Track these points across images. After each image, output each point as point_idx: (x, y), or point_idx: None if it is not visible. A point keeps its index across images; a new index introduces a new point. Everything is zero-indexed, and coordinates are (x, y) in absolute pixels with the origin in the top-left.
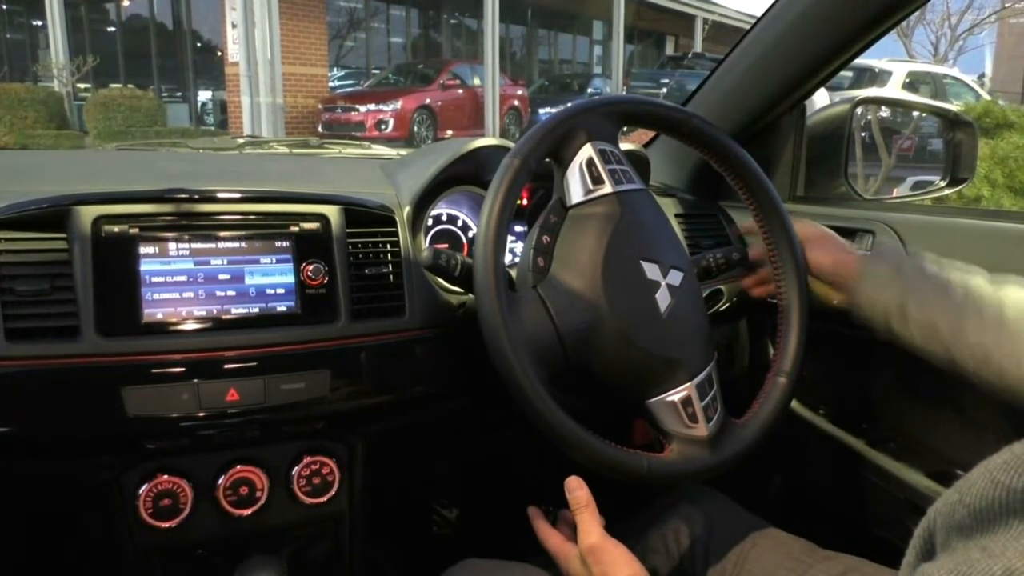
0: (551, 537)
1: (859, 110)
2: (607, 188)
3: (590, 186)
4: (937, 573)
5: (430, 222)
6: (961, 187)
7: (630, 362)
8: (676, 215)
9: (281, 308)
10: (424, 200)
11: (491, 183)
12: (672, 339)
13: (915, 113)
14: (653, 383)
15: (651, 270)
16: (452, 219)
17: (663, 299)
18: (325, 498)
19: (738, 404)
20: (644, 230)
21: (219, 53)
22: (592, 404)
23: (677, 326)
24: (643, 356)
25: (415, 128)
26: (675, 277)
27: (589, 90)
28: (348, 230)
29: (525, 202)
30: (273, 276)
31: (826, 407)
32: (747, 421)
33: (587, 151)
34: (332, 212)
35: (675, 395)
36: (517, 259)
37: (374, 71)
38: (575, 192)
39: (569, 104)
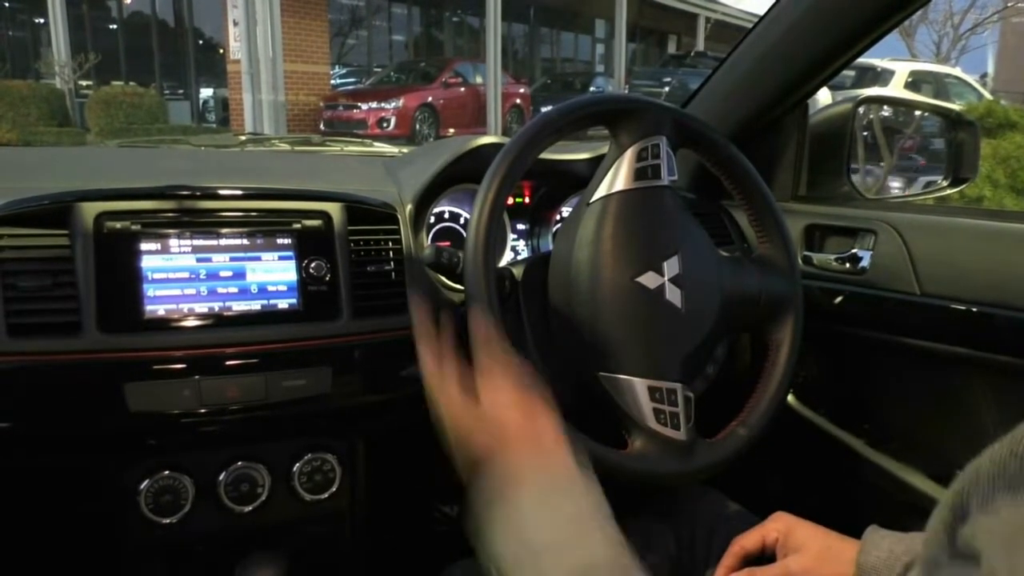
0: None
1: (861, 109)
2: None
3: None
4: (994, 536)
5: (432, 220)
6: (963, 187)
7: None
8: None
9: (283, 305)
10: (426, 198)
11: (481, 182)
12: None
13: (917, 113)
14: (650, 374)
15: (650, 280)
16: (454, 217)
17: (674, 296)
18: (326, 495)
19: (736, 406)
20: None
21: (221, 50)
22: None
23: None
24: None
25: (417, 126)
26: (673, 265)
27: (592, 88)
28: (350, 227)
29: (527, 200)
30: (275, 273)
31: (827, 406)
32: (718, 440)
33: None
34: (334, 209)
35: (663, 390)
36: (519, 257)
37: (376, 69)
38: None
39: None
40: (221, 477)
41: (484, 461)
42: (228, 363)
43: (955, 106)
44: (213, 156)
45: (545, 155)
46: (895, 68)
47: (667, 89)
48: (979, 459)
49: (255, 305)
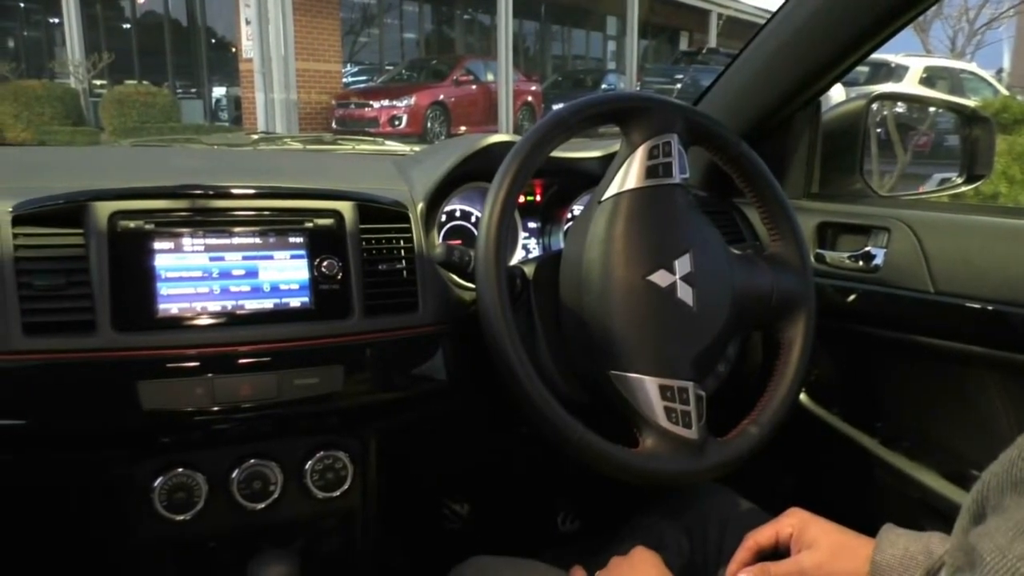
0: None
1: (875, 106)
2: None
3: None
4: (997, 533)
5: (443, 218)
6: (978, 184)
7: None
8: None
9: (295, 304)
10: (437, 196)
11: (492, 182)
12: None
13: (931, 109)
14: (664, 373)
15: (661, 278)
16: (465, 215)
17: (686, 294)
18: (338, 492)
19: (748, 405)
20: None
21: (233, 49)
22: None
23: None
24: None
25: (429, 124)
26: (684, 264)
27: (603, 86)
28: (362, 226)
29: (539, 198)
30: (287, 272)
31: (839, 405)
32: (729, 439)
33: None
34: (346, 208)
35: (676, 388)
36: (530, 255)
37: (387, 67)
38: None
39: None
40: (234, 475)
41: None
42: (241, 361)
43: (970, 102)
44: (226, 155)
45: (556, 153)
46: (909, 64)
47: (679, 86)
48: (994, 464)
49: (267, 304)
